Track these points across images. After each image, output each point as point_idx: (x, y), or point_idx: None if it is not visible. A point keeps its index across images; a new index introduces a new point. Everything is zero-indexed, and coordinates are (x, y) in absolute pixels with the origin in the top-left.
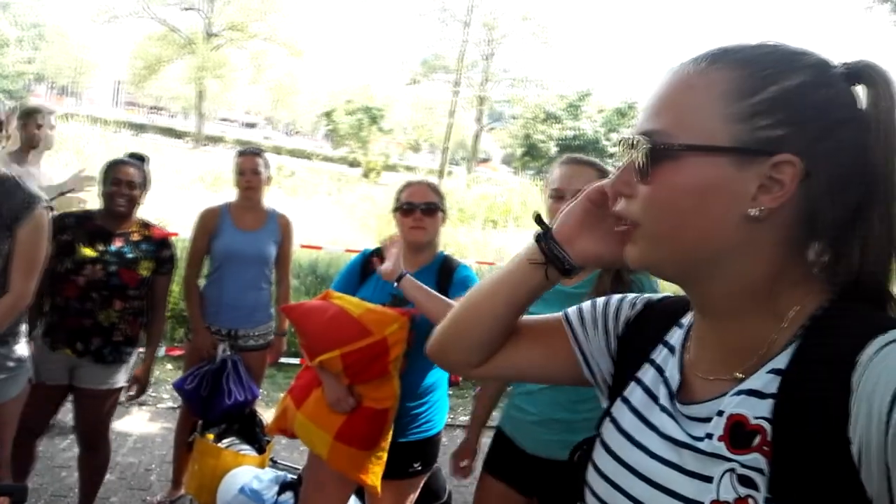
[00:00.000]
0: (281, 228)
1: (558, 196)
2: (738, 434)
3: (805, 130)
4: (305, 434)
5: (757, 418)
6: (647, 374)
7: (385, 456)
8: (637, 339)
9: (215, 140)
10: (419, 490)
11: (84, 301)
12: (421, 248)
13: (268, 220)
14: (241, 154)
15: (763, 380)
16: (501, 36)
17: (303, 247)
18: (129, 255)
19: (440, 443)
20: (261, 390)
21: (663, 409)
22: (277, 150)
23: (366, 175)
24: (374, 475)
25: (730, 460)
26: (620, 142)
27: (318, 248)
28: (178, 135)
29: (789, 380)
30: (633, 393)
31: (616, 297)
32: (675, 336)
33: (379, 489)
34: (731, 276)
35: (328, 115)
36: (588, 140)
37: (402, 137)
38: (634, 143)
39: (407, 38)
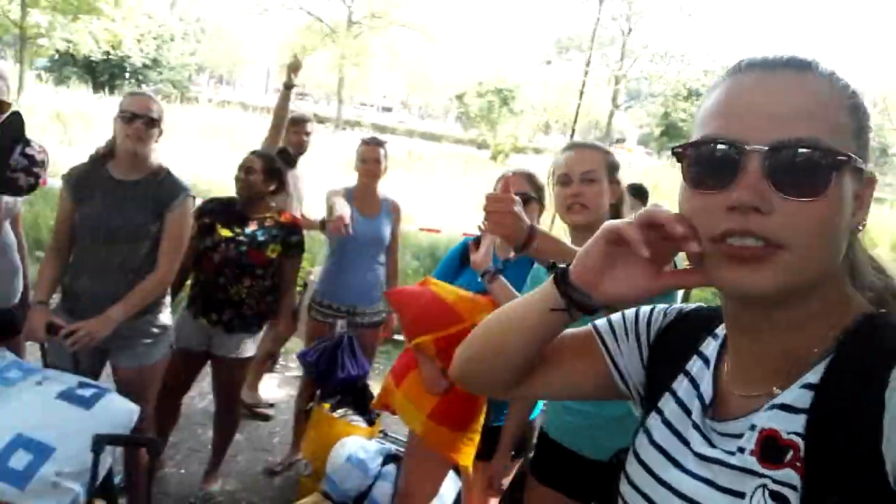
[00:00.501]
0: (393, 214)
1: (565, 182)
2: (771, 449)
3: (867, 152)
4: (404, 411)
5: (790, 433)
6: (681, 385)
7: (477, 438)
8: (670, 349)
9: (353, 124)
10: (513, 475)
11: (218, 276)
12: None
13: (383, 205)
14: (365, 143)
15: (796, 394)
16: (642, 9)
17: (421, 230)
18: (260, 238)
19: (535, 430)
20: (376, 364)
21: (695, 424)
22: (410, 134)
23: (494, 157)
24: (465, 456)
25: (762, 476)
26: (717, 145)
27: (437, 231)
28: (320, 120)
29: (822, 395)
30: (667, 405)
31: (645, 307)
32: (710, 347)
33: (471, 470)
34: (818, 296)
35: (459, 97)
36: None
37: (533, 119)
38: (775, 151)
39: (541, 18)
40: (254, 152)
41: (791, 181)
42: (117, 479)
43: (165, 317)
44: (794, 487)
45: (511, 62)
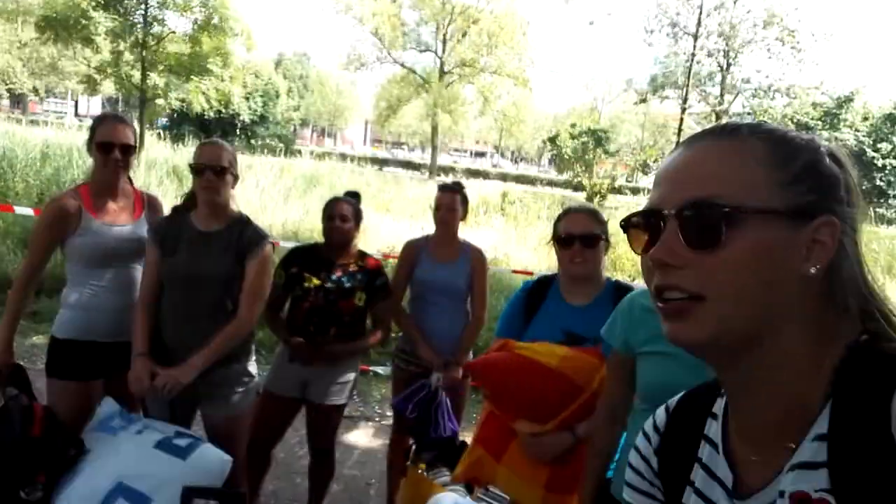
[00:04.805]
0: (473, 262)
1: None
2: None
3: (830, 195)
4: (511, 487)
5: (818, 491)
6: (697, 475)
7: None
8: (675, 447)
9: (447, 170)
10: None
11: (307, 324)
12: (583, 281)
13: (461, 253)
14: (441, 189)
15: (811, 449)
16: (741, 44)
17: (514, 272)
18: (347, 285)
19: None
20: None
21: None
22: (503, 177)
23: (590, 198)
24: None
25: None
26: (644, 214)
27: (530, 273)
28: (415, 167)
29: (835, 446)
30: (689, 499)
31: (634, 449)
32: (713, 429)
33: None
34: (782, 337)
35: (552, 139)
36: (849, 152)
37: (630, 158)
38: (678, 212)
39: (634, 58)
40: (338, 199)
41: (695, 236)
42: None
43: (252, 365)
44: None
45: (604, 102)
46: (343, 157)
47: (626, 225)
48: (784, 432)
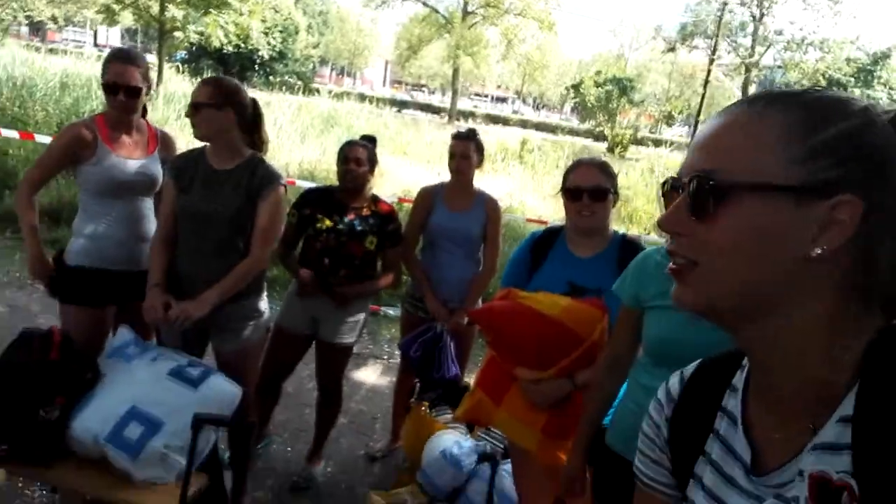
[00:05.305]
0: (488, 212)
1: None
2: (825, 494)
3: (862, 171)
4: (511, 430)
5: (839, 473)
6: (713, 447)
7: None
8: (689, 417)
9: (466, 115)
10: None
11: (318, 264)
12: (589, 233)
13: (475, 202)
14: (454, 137)
15: (835, 431)
16: None
17: (528, 220)
18: (358, 228)
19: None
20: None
21: (743, 489)
22: (524, 124)
23: (611, 149)
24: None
25: None
26: (667, 182)
27: (545, 222)
28: (435, 110)
29: (860, 429)
30: (704, 471)
31: (647, 417)
32: (732, 402)
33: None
34: (790, 317)
35: (576, 87)
36: None
37: (655, 109)
38: (688, 181)
39: (664, 4)
40: (353, 142)
41: (696, 206)
42: (226, 455)
43: (263, 303)
44: None
45: (632, 50)
46: (362, 97)
47: (664, 189)
48: (806, 412)
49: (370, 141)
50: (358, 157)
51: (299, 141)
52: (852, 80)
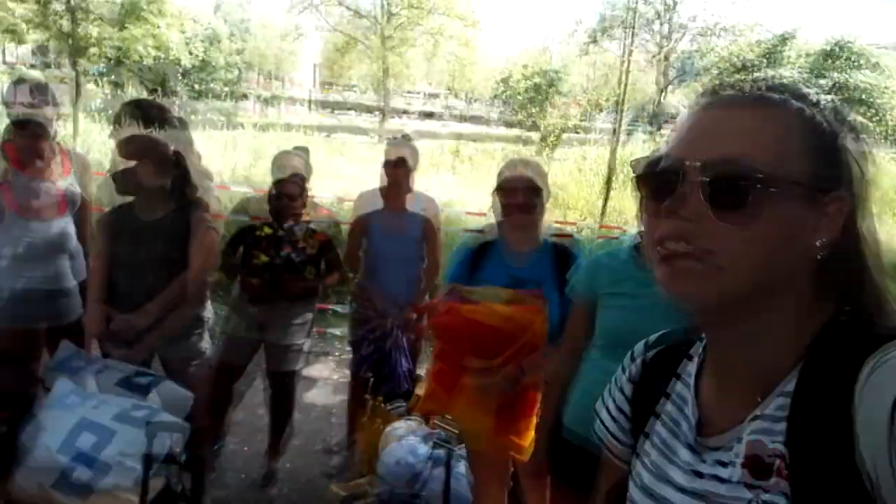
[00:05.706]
0: (426, 233)
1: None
2: (758, 461)
3: (844, 171)
4: (464, 416)
5: (774, 443)
6: (664, 407)
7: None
8: (649, 380)
9: (400, 112)
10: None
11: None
12: (524, 228)
13: (411, 223)
14: (389, 143)
15: (775, 404)
16: None
17: (468, 213)
18: (297, 260)
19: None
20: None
21: (687, 444)
22: (458, 119)
23: (544, 139)
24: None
25: (753, 487)
26: (643, 165)
27: (483, 214)
28: (368, 109)
29: (797, 404)
30: (654, 428)
31: (612, 384)
32: (687, 369)
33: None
34: (775, 309)
35: (505, 80)
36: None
37: (583, 98)
38: (706, 167)
39: None
40: (281, 181)
41: (719, 196)
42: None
43: (207, 311)
44: (786, 495)
45: (555, 43)
46: (293, 100)
47: (639, 170)
48: (756, 386)
49: (303, 150)
50: (290, 192)
51: (231, 148)
52: (764, 60)
